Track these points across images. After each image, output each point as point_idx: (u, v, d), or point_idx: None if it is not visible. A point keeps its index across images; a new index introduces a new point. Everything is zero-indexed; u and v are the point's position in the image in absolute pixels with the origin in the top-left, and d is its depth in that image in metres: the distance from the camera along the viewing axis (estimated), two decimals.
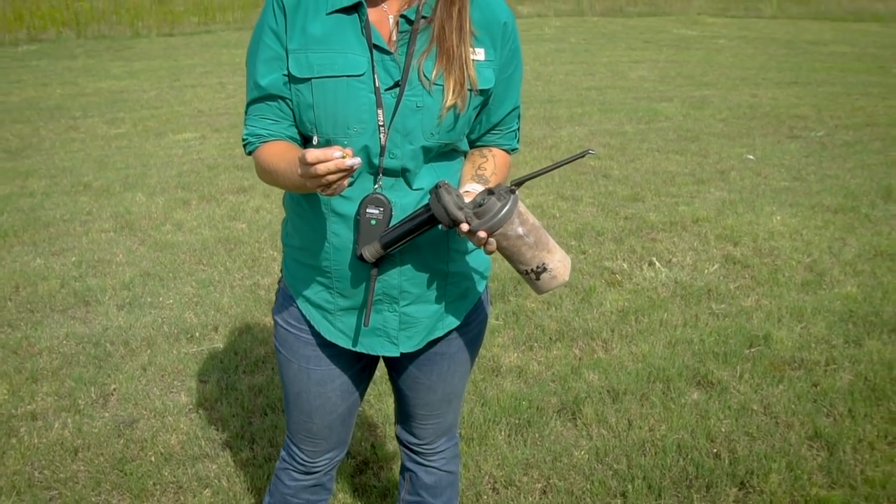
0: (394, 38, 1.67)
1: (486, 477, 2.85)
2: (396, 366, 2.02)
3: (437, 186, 1.61)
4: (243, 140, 1.78)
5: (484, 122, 1.83)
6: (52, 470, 2.90)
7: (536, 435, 3.07)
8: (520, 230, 1.61)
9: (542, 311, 3.97)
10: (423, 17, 1.67)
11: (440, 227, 1.63)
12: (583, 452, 2.97)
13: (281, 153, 1.67)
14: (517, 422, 3.14)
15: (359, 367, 1.98)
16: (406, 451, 2.21)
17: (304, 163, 1.42)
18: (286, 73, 1.67)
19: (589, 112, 8.34)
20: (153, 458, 2.95)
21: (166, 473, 2.87)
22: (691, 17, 17.77)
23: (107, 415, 3.22)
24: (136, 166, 6.54)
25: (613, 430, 3.10)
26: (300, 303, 1.88)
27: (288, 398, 2.03)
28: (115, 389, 3.38)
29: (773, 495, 2.74)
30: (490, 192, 1.62)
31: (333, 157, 1.40)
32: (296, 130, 1.73)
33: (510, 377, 3.44)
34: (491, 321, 3.82)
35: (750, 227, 4.98)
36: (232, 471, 2.89)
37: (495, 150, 1.87)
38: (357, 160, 1.41)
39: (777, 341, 3.68)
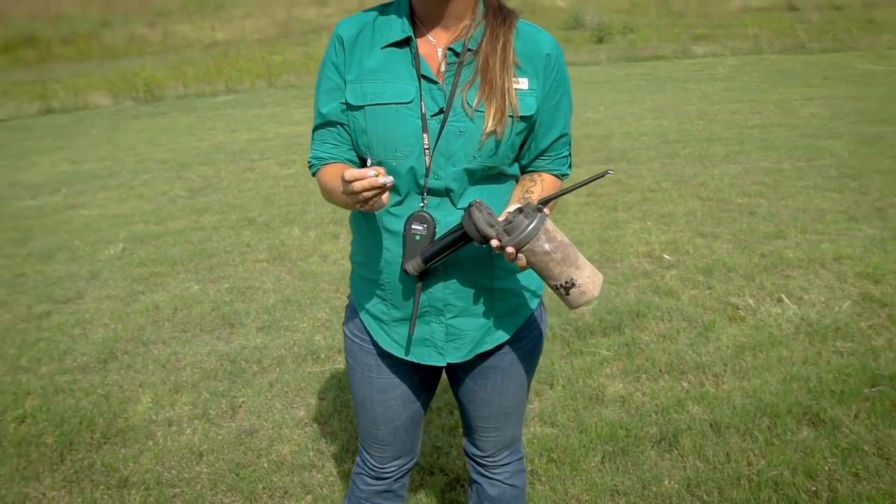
0: (442, 69, 1.82)
1: (573, 500, 2.91)
2: (455, 379, 2.15)
3: (469, 205, 1.74)
4: (308, 163, 1.98)
5: (532, 149, 1.94)
6: (178, 470, 3.21)
7: (629, 463, 3.09)
8: (546, 246, 1.71)
9: (656, 344, 3.96)
10: (470, 50, 1.82)
11: (474, 243, 1.76)
12: (674, 482, 2.97)
13: (337, 174, 1.83)
14: (612, 450, 3.17)
15: (417, 378, 2.12)
16: (472, 463, 2.32)
17: (344, 181, 1.60)
18: (344, 101, 1.86)
19: (747, 150, 8.15)
20: (266, 465, 3.20)
21: (276, 479, 3.11)
22: (879, 52, 16.87)
23: (233, 424, 3.51)
24: (298, 203, 7.00)
25: (710, 463, 3.07)
26: (362, 315, 2.05)
27: (356, 406, 2.20)
28: (243, 402, 3.68)
29: None
30: (520, 210, 1.74)
31: (367, 176, 1.56)
32: (354, 154, 1.91)
33: (612, 406, 3.47)
34: (602, 353, 3.88)
35: None
36: (334, 480, 3.09)
37: (545, 175, 1.97)
38: (389, 179, 1.56)
39: None
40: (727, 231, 5.54)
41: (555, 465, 3.10)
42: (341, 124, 1.88)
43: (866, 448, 3.10)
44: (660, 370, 3.73)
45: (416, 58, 1.81)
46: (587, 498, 2.91)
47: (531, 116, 1.85)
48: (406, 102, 1.79)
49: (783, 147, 8.23)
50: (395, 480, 2.29)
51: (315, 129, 1.94)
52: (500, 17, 1.85)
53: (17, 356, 4.21)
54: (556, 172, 1.99)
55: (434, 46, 1.84)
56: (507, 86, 1.80)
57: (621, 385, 3.63)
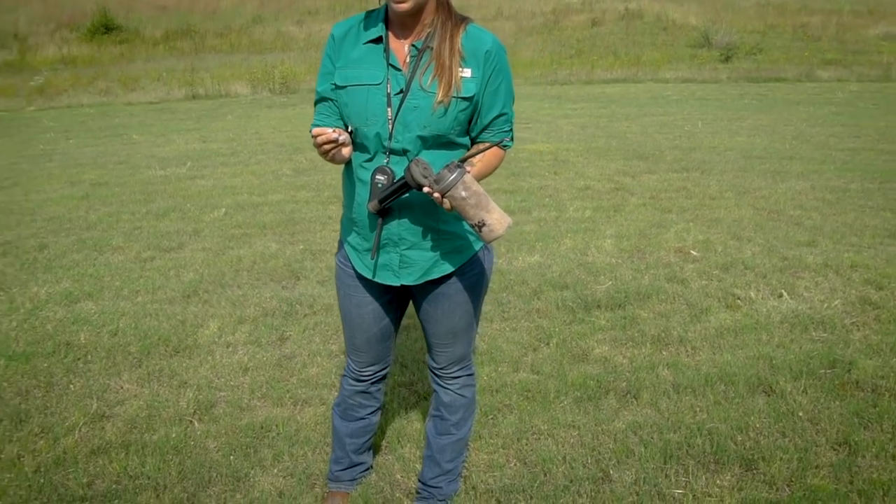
0: (406, 60, 2.48)
1: (534, 429, 3.49)
2: (416, 303, 2.79)
3: (410, 161, 2.38)
4: (310, 129, 2.67)
5: (478, 124, 2.55)
6: (226, 379, 3.96)
7: (591, 407, 3.65)
8: (463, 193, 2.32)
9: (651, 321, 4.48)
10: (429, 48, 2.47)
11: (413, 189, 2.39)
12: (622, 423, 3.51)
13: None
14: (580, 395, 3.73)
15: (386, 300, 2.76)
16: (431, 374, 2.94)
17: (312, 135, 2.28)
18: (333, 83, 2.54)
19: (824, 169, 8.40)
20: (295, 381, 3.92)
21: (300, 392, 3.81)
22: None
23: (277, 351, 4.24)
24: None
25: (660, 413, 3.59)
26: (345, 245, 2.73)
27: (342, 319, 2.86)
28: (290, 335, 4.41)
29: (773, 478, 3.12)
30: (447, 166, 2.37)
31: (326, 132, 2.25)
32: (342, 123, 2.58)
33: (594, 364, 4.02)
34: (600, 323, 4.41)
35: None
36: None
37: (487, 145, 2.60)
38: (343, 136, 2.25)
39: (860, 368, 3.91)
40: (763, 237, 5.94)
41: (527, 402, 3.69)
42: (331, 100, 2.55)
43: (801, 414, 3.55)
44: (646, 341, 4.25)
45: (386, 51, 2.46)
46: (545, 428, 3.49)
47: (472, 97, 2.46)
48: (376, 84, 2.45)
49: (861, 169, 8.44)
50: (372, 384, 2.94)
51: (315, 103, 2.62)
52: (451, 20, 2.48)
53: (120, 287, 5.09)
54: (498, 143, 2.60)
55: (402, 43, 2.49)
56: (454, 68, 2.43)
57: (607, 349, 4.17)
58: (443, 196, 2.30)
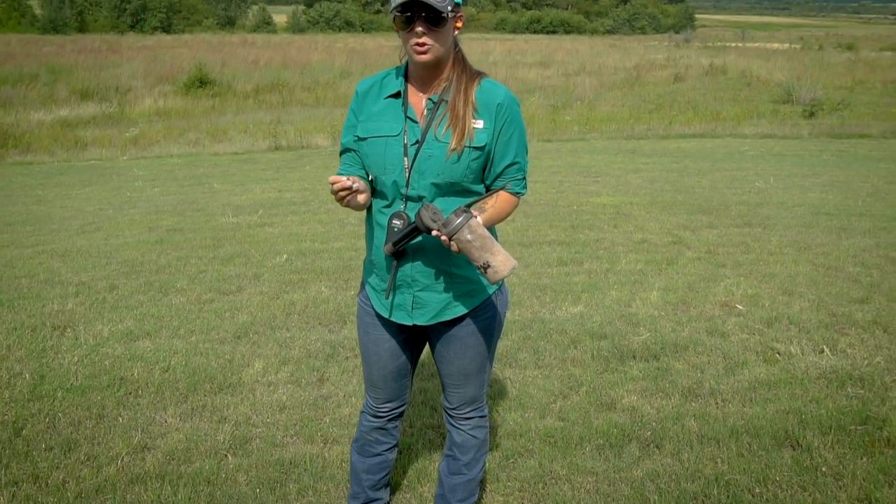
0: (424, 113, 2.66)
1: (552, 473, 3.55)
2: (431, 343, 2.92)
3: (420, 207, 2.53)
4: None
5: (491, 172, 2.70)
6: (263, 416, 4.13)
7: (612, 454, 3.70)
8: (469, 236, 2.45)
9: (684, 372, 4.50)
10: (444, 101, 2.64)
11: (424, 234, 2.53)
12: (641, 471, 3.54)
13: None
14: (602, 443, 3.78)
15: (402, 338, 2.90)
16: (445, 414, 3.06)
17: (330, 183, 2.47)
18: (356, 135, 2.72)
19: (893, 227, 8.23)
20: (327, 420, 4.06)
21: (331, 431, 3.96)
22: None
23: (315, 391, 4.40)
24: None
25: (681, 463, 3.61)
26: (367, 286, 2.90)
27: (361, 355, 3.02)
28: (329, 377, 4.57)
29: None
30: (455, 211, 2.50)
31: (341, 180, 2.43)
32: (364, 172, 2.76)
33: (620, 413, 4.06)
34: (632, 373, 4.45)
35: None
36: None
37: (501, 193, 2.72)
38: (357, 183, 2.46)
39: (893, 426, 3.86)
40: (815, 292, 5.88)
41: (549, 447, 3.75)
42: (355, 151, 2.74)
43: (824, 469, 3.53)
44: (676, 391, 4.27)
45: (404, 104, 2.65)
46: (564, 473, 3.55)
47: (483, 147, 2.61)
48: (394, 136, 2.63)
49: None
50: (389, 421, 3.07)
51: (340, 154, 2.81)
52: (465, 74, 2.65)
53: (177, 327, 5.35)
54: (510, 190, 2.73)
55: (420, 97, 2.67)
56: (467, 118, 2.60)
57: (636, 398, 4.21)
58: (450, 239, 2.44)
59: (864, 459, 3.60)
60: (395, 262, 2.69)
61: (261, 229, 8.44)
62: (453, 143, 2.57)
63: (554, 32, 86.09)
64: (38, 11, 75.00)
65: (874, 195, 10.34)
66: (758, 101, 23.41)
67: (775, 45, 41.65)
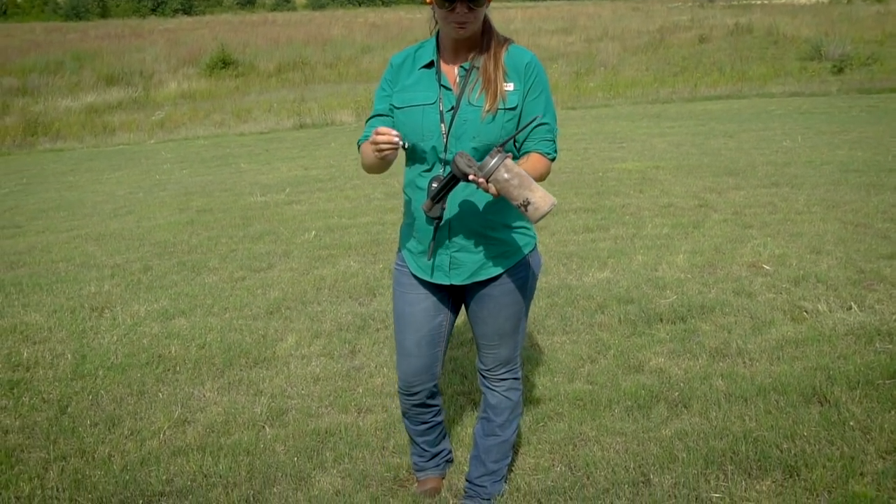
0: (457, 80, 2.74)
1: (581, 435, 3.62)
2: (466, 304, 3.00)
3: (455, 154, 2.58)
4: (357, 142, 2.91)
5: (521, 134, 2.76)
6: (298, 388, 4.24)
7: (640, 415, 3.75)
8: (506, 175, 2.48)
9: (711, 333, 4.54)
10: (475, 67, 2.71)
11: (461, 181, 2.55)
12: (669, 430, 3.60)
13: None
14: (630, 404, 3.84)
15: (438, 297, 2.97)
16: (480, 376, 3.14)
17: (376, 132, 2.54)
18: (391, 104, 2.79)
19: None
20: (360, 390, 4.16)
21: (364, 400, 4.05)
22: None
23: (348, 362, 4.50)
24: None
25: (708, 421, 3.66)
26: (403, 251, 2.98)
27: (394, 321, 3.09)
28: (360, 348, 4.67)
29: (813, 484, 3.16)
30: (489, 154, 2.54)
31: (391, 132, 2.52)
32: None
33: (648, 375, 4.12)
34: (660, 335, 4.48)
35: None
36: None
37: (532, 153, 2.77)
38: (402, 142, 2.53)
39: None
40: (843, 250, 5.87)
41: (578, 410, 3.82)
42: (389, 116, 2.81)
43: (852, 423, 3.56)
44: (703, 352, 4.31)
45: (438, 73, 2.73)
46: (593, 434, 3.62)
47: (515, 107, 2.70)
48: (431, 104, 2.73)
49: None
50: (426, 397, 3.14)
51: (368, 120, 2.88)
52: (494, 41, 2.74)
53: (211, 305, 5.47)
54: (541, 151, 2.77)
55: (452, 66, 2.77)
56: (499, 81, 2.70)
57: (663, 360, 4.26)
58: (487, 181, 2.48)
59: (893, 413, 3.62)
60: (435, 223, 2.76)
61: (288, 207, 8.54)
62: (487, 104, 2.66)
63: None
64: None
65: None
66: (785, 59, 23.09)
67: (802, 1, 40.99)
